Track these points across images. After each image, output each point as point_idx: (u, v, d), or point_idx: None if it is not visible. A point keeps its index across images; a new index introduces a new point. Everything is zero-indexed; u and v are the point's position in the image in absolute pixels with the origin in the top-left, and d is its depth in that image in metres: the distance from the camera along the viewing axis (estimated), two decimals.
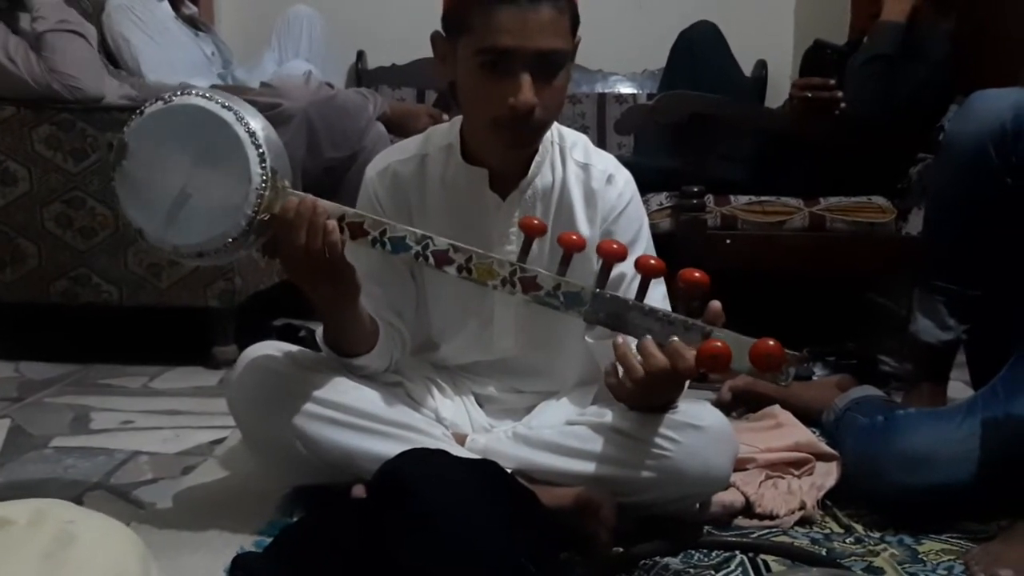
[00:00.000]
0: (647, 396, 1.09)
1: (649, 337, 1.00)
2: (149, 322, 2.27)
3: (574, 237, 1.04)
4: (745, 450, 1.35)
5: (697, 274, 0.97)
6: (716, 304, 0.98)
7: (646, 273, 1.00)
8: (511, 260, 1.05)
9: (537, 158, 1.25)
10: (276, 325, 2.14)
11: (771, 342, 0.93)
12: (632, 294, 1.02)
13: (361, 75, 3.48)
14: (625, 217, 1.28)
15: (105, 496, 1.36)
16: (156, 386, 1.99)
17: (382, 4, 3.43)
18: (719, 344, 0.94)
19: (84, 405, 1.82)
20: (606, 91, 3.50)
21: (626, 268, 1.15)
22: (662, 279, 1.18)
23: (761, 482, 1.33)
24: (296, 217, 1.06)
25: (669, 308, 1.04)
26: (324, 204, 1.08)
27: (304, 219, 1.06)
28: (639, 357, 1.00)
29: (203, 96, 1.09)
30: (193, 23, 2.84)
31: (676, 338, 0.98)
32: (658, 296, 1.18)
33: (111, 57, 2.51)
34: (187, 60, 2.69)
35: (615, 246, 1.02)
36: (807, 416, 1.58)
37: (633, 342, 1.02)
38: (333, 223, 1.07)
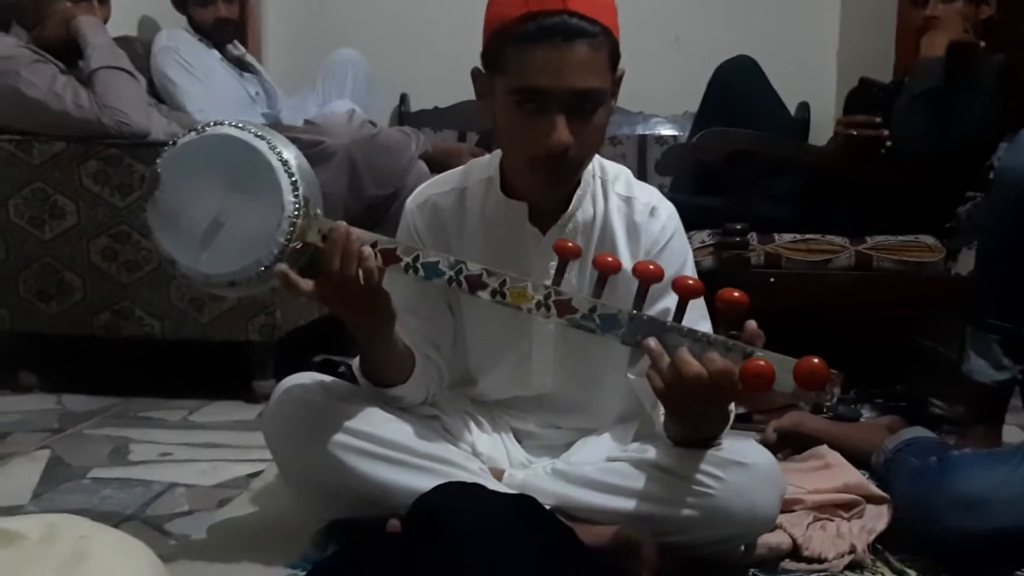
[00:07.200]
0: (690, 408, 1.02)
1: (685, 347, 0.96)
2: (190, 356, 2.28)
3: (609, 259, 1.02)
4: (792, 491, 1.31)
5: (736, 293, 0.95)
6: (753, 323, 0.96)
7: (684, 294, 0.98)
8: (545, 284, 1.03)
9: (578, 192, 1.23)
10: (315, 360, 2.14)
11: (815, 360, 0.91)
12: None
13: (404, 117, 3.52)
14: (669, 251, 1.26)
15: (139, 527, 1.36)
16: (196, 419, 1.99)
17: (425, 47, 3.48)
18: (763, 363, 0.92)
19: (123, 437, 1.82)
20: (647, 133, 3.49)
21: (669, 303, 1.12)
22: (701, 301, 1.15)
23: (809, 524, 1.28)
24: (330, 244, 1.06)
25: (709, 328, 1.01)
26: (357, 231, 1.07)
27: (338, 246, 1.06)
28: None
29: (235, 126, 1.10)
30: (239, 64, 2.90)
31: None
32: (696, 317, 1.15)
33: (157, 97, 2.56)
34: (232, 100, 2.74)
35: (651, 267, 1.00)
36: (855, 458, 1.52)
37: None
38: (368, 249, 1.07)
